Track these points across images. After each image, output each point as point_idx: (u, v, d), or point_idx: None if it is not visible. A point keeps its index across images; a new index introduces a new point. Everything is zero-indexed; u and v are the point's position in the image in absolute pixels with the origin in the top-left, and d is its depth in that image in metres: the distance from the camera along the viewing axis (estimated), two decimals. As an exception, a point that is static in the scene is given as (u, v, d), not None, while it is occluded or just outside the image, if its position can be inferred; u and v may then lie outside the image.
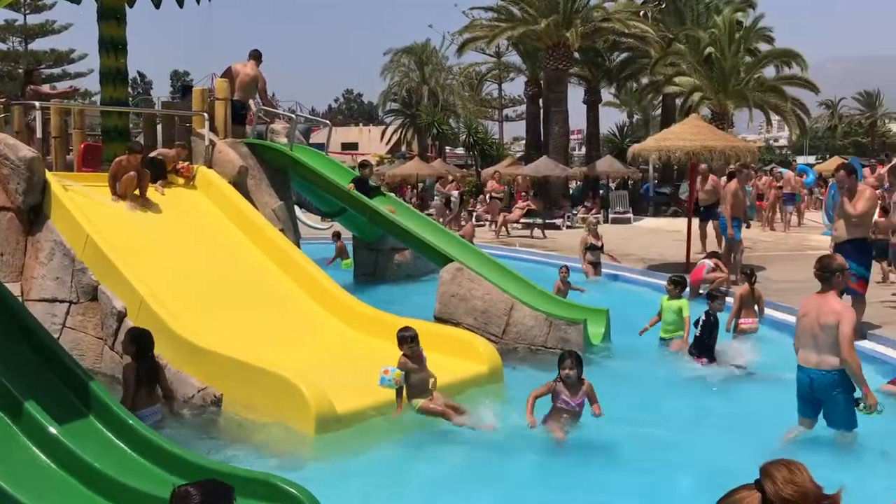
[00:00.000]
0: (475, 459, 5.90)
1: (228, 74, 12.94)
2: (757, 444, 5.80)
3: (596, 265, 14.80)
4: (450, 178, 28.38)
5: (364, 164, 12.99)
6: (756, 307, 9.88)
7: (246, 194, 11.22)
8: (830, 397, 5.97)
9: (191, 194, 10.85)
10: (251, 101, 13.22)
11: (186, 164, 11.06)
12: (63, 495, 4.71)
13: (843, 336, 5.81)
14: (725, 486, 1.57)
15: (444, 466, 5.89)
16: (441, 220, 24.97)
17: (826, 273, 6.04)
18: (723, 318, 9.02)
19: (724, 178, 15.80)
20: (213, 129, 11.84)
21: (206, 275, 9.13)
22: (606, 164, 30.78)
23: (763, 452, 5.54)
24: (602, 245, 15.01)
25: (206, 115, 11.77)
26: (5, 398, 5.16)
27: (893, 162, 15.71)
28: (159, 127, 12.96)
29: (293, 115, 13.36)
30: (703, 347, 8.62)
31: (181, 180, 11.08)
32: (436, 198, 26.96)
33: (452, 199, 25.45)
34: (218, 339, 7.61)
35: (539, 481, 5.59)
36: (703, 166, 15.73)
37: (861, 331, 9.01)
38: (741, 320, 9.71)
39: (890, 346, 8.65)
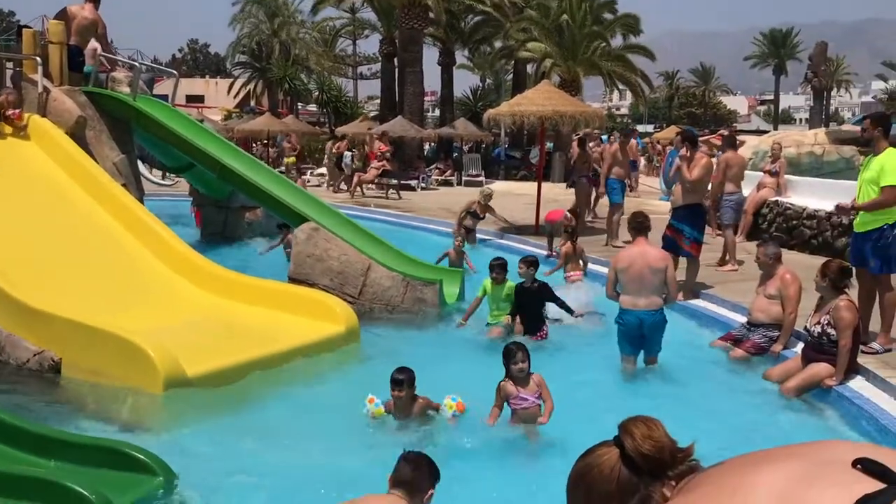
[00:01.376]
0: (328, 428, 5.88)
1: (64, 17, 11.98)
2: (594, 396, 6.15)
3: (471, 231, 14.18)
4: (339, 136, 27.18)
5: None
6: (580, 261, 11.05)
7: (84, 147, 10.51)
8: (656, 332, 7.06)
9: (22, 145, 10.05)
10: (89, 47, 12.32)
11: (17, 111, 10.19)
12: None
13: (671, 278, 7.04)
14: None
15: (296, 434, 5.85)
16: (333, 182, 24.33)
17: (636, 225, 7.22)
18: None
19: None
20: (46, 75, 10.96)
21: (41, 232, 8.52)
22: (460, 126, 31.11)
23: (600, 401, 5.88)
24: (483, 217, 14.32)
25: (38, 59, 10.87)
26: None
27: (726, 132, 16.84)
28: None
29: (136, 63, 12.56)
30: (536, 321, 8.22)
31: (9, 129, 10.22)
32: (325, 158, 25.82)
33: (345, 159, 24.74)
34: (54, 299, 7.15)
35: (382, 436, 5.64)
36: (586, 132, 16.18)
37: (694, 290, 9.67)
38: (567, 273, 10.89)
39: (720, 304, 9.32)
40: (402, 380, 5.52)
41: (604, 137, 26.76)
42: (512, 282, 8.34)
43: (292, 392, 6.45)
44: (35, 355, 6.75)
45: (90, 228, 9.07)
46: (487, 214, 14.54)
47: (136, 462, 4.49)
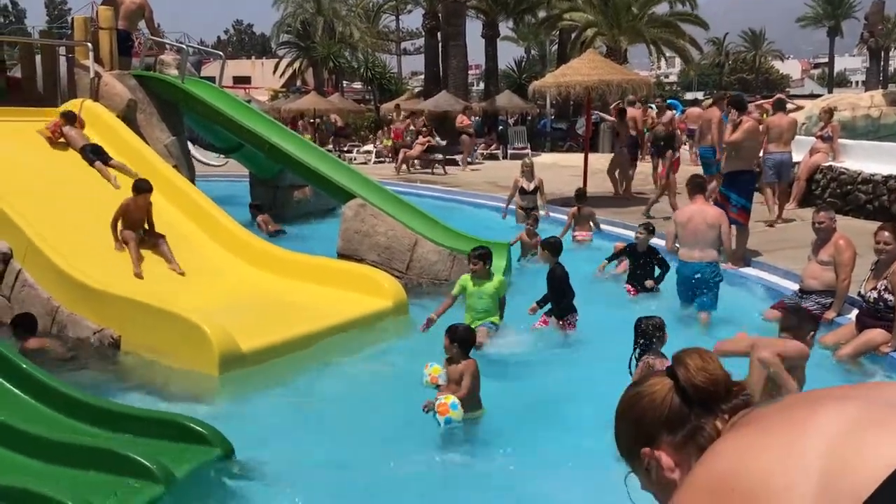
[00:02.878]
0: (380, 400, 5.98)
1: (112, 2, 12.19)
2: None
3: (529, 211, 12.94)
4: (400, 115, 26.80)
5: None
6: (591, 223, 12.03)
7: (136, 129, 10.75)
8: (709, 285, 7.74)
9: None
10: (137, 31, 12.54)
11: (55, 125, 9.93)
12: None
13: (725, 233, 7.81)
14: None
15: (348, 407, 5.95)
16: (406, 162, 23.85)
17: (695, 184, 8.02)
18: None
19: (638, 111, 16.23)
20: (97, 60, 11.20)
21: (98, 214, 8.74)
22: (505, 99, 30.88)
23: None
24: (538, 189, 13.21)
25: (89, 45, 11.10)
26: None
27: (777, 95, 16.43)
28: (38, 58, 12.15)
29: (184, 46, 12.76)
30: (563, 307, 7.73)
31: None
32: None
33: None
34: (113, 280, 7.37)
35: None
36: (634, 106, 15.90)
37: (745, 258, 9.52)
38: (576, 233, 11.89)
39: (771, 272, 9.16)
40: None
41: (652, 106, 26.33)
42: (502, 276, 7.21)
43: (343, 366, 6.56)
44: (95, 333, 6.97)
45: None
46: (536, 187, 13.48)
47: (194, 433, 4.63)
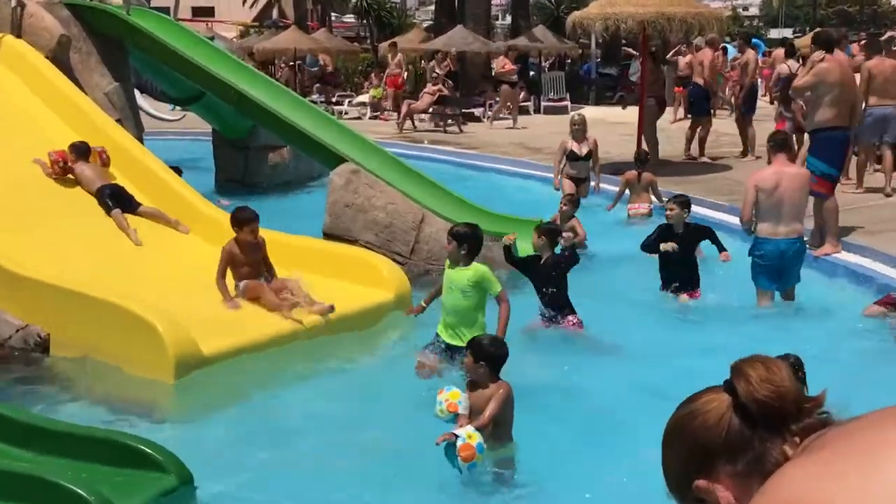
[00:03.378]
0: (376, 418, 6.02)
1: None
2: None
3: (580, 182, 12.63)
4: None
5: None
6: (650, 193, 12.15)
7: (69, 73, 10.77)
8: (796, 263, 8.00)
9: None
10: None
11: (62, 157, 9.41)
12: None
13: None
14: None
15: (325, 409, 6.07)
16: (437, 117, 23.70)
17: (778, 142, 8.11)
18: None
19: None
20: (20, -16, 11.23)
21: (18, 180, 8.80)
22: (538, 36, 30.77)
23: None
24: (592, 153, 12.77)
25: (9, -35, 11.12)
26: None
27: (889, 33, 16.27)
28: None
29: (129, -32, 12.79)
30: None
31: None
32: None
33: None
34: (39, 262, 7.42)
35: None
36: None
37: (839, 241, 9.48)
38: (629, 205, 12.06)
39: (874, 258, 9.11)
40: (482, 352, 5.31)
41: (729, 47, 26.11)
42: (482, 265, 6.78)
43: (329, 374, 6.61)
44: (18, 331, 7.04)
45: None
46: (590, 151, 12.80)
47: (143, 457, 4.68)
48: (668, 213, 8.69)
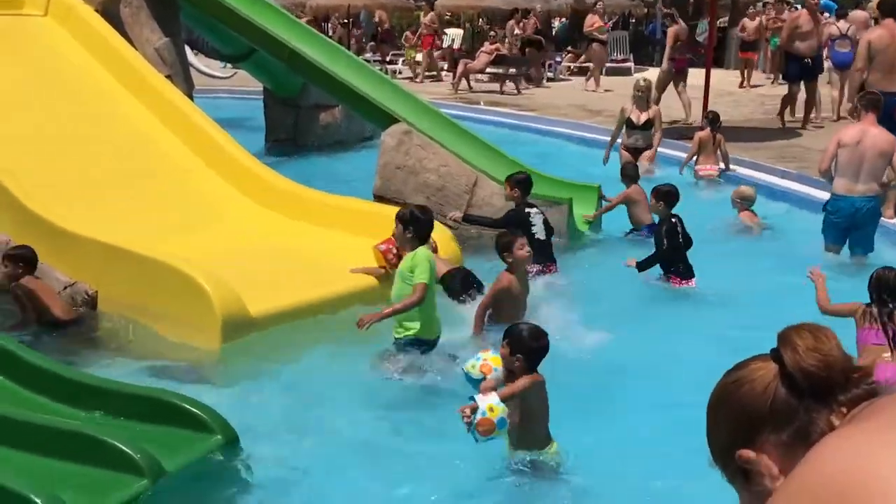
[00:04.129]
0: (418, 385, 6.09)
1: None
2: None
3: (639, 153, 12.38)
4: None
5: None
6: (719, 153, 12.39)
7: (119, 27, 10.90)
8: (870, 223, 8.33)
9: (43, 27, 10.51)
10: None
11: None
12: None
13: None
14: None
15: (370, 375, 6.14)
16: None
17: (870, 100, 8.42)
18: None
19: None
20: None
21: (71, 137, 8.97)
22: (601, -6, 30.48)
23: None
24: (651, 122, 12.50)
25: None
26: None
27: None
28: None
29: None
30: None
31: (20, 7, 10.66)
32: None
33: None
34: (89, 221, 7.57)
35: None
36: None
37: None
38: (698, 167, 12.26)
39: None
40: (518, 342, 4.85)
41: (797, 6, 25.58)
42: (425, 252, 6.34)
43: (376, 337, 6.64)
44: (66, 287, 7.20)
45: (127, 132, 9.47)
46: (652, 119, 12.56)
47: (189, 416, 4.78)
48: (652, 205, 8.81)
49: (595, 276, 8.52)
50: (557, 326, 6.20)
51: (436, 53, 27.71)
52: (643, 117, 12.43)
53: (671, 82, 16.92)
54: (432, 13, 27.33)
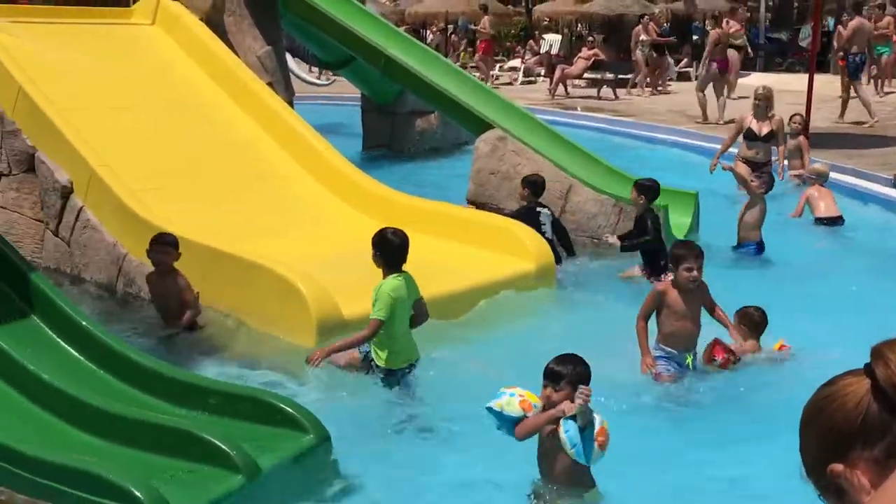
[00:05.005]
0: (496, 370, 6.12)
1: None
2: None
3: (759, 166, 11.25)
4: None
5: None
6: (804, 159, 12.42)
7: (223, 36, 11.18)
8: None
9: (151, 35, 10.87)
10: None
11: None
12: (1, 408, 5.01)
13: None
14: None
15: (461, 377, 6.16)
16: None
17: None
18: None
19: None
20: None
21: (175, 141, 9.23)
22: (702, -1, 30.06)
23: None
24: (774, 134, 11.73)
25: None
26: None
27: None
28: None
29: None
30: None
31: (130, 17, 11.03)
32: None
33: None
34: (190, 223, 7.78)
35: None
36: None
37: None
38: (791, 171, 12.28)
39: None
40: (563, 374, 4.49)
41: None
42: (389, 283, 6.01)
43: (465, 343, 6.71)
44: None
45: (230, 137, 9.72)
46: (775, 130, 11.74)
47: (283, 415, 4.90)
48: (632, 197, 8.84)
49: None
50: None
51: (532, 59, 27.71)
52: (764, 128, 11.69)
53: (711, 83, 17.93)
54: (486, 18, 27.20)
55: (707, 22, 23.45)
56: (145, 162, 8.74)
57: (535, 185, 9.04)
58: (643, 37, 23.60)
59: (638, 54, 23.52)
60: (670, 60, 25.96)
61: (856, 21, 17.31)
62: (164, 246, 6.99)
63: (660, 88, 23.44)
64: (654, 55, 23.84)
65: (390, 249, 6.05)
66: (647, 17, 24.42)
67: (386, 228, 6.28)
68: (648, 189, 8.70)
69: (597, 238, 9.66)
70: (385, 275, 6.02)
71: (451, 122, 13.29)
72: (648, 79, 23.49)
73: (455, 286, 7.43)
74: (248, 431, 4.86)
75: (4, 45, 9.09)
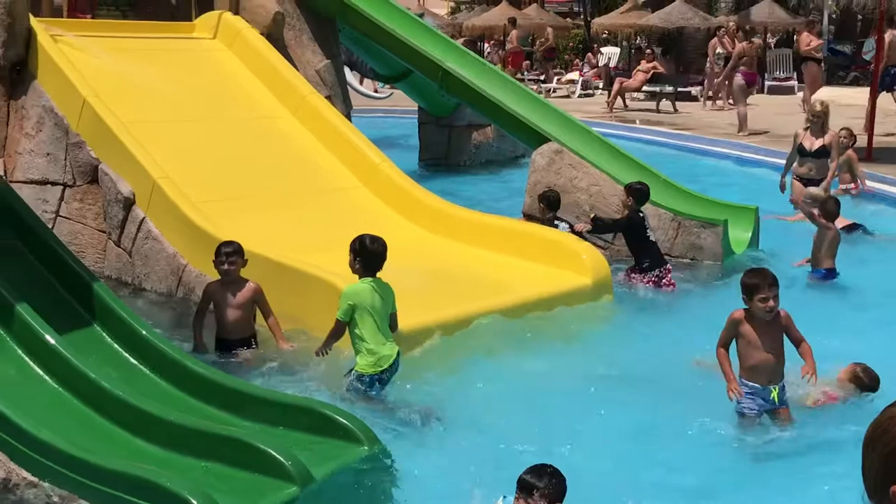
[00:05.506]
0: (551, 383, 6.13)
1: None
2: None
3: (810, 183, 11.13)
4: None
5: None
6: (855, 173, 12.50)
7: (282, 50, 11.32)
8: None
9: (212, 49, 11.03)
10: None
11: None
12: (61, 415, 5.12)
13: None
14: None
15: (515, 391, 6.16)
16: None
17: None
18: None
19: None
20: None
21: (235, 153, 9.36)
22: (764, 11, 29.72)
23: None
24: (826, 149, 11.33)
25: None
26: (-7, 300, 5.53)
27: None
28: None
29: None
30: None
31: (193, 30, 11.21)
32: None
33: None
34: (248, 234, 7.87)
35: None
36: None
37: None
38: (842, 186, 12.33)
39: None
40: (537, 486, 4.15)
41: None
42: (354, 287, 6.27)
43: (519, 358, 6.70)
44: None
45: (289, 150, 9.83)
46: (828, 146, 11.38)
47: (338, 426, 4.94)
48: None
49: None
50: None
51: (591, 72, 27.64)
52: (816, 143, 11.31)
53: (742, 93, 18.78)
54: (515, 31, 27.18)
55: (726, 35, 23.18)
56: (206, 174, 8.88)
57: (638, 192, 8.99)
58: (719, 49, 23.37)
59: (711, 66, 23.33)
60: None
61: (888, 34, 16.85)
62: (227, 256, 6.86)
63: (731, 101, 23.14)
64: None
65: (368, 256, 6.30)
66: (722, 29, 24.21)
67: (365, 235, 6.46)
68: (638, 192, 8.91)
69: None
70: (360, 279, 6.27)
71: (506, 135, 13.29)
72: (720, 92, 23.19)
73: (511, 300, 7.43)
74: (302, 442, 4.92)
75: (70, 59, 9.29)
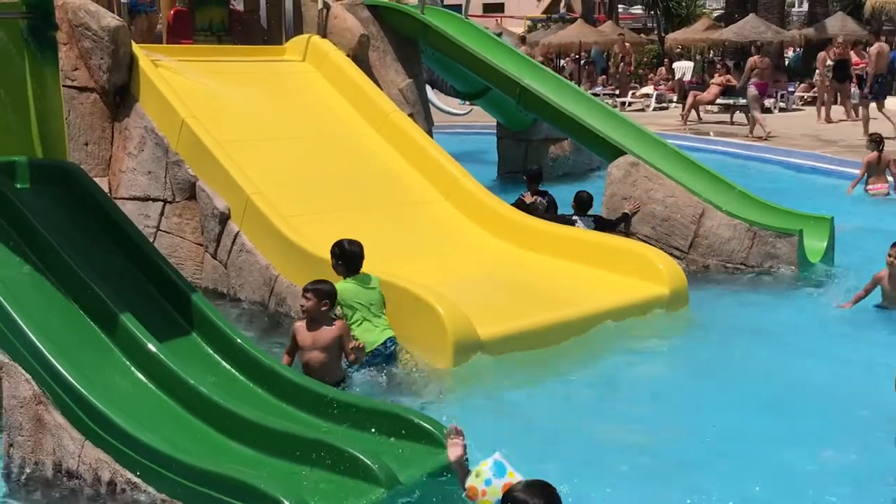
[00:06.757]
0: (630, 394, 6.03)
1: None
2: None
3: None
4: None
5: None
6: (888, 174, 12.90)
7: (367, 70, 11.43)
8: None
9: (302, 71, 11.20)
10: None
11: None
12: (163, 419, 5.20)
13: None
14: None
15: (592, 401, 6.12)
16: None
17: None
18: None
19: None
20: (327, -12, 12.04)
21: (322, 169, 9.47)
22: (837, 24, 29.11)
23: None
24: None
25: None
26: (99, 310, 5.68)
27: None
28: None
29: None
30: None
31: (285, 54, 11.39)
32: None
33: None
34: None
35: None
36: None
37: None
38: (869, 187, 13.03)
39: None
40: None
41: None
42: (340, 285, 6.57)
43: (598, 367, 6.66)
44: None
45: (374, 166, 9.91)
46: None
47: (423, 432, 4.95)
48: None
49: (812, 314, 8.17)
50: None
51: (665, 86, 27.39)
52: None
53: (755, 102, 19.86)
54: (524, 48, 27.00)
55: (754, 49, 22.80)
56: (296, 189, 8.99)
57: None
58: (829, 62, 22.93)
59: (822, 79, 22.92)
60: (791, 87, 25.27)
61: (875, 46, 19.04)
62: (304, 291, 6.41)
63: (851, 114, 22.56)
64: (836, 81, 22.94)
65: (348, 257, 6.76)
66: (834, 40, 23.81)
67: (343, 240, 6.87)
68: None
69: (729, 263, 9.46)
70: (344, 279, 6.69)
71: (583, 148, 13.21)
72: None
73: (588, 310, 7.38)
74: (389, 446, 4.94)
75: (169, 83, 9.51)
